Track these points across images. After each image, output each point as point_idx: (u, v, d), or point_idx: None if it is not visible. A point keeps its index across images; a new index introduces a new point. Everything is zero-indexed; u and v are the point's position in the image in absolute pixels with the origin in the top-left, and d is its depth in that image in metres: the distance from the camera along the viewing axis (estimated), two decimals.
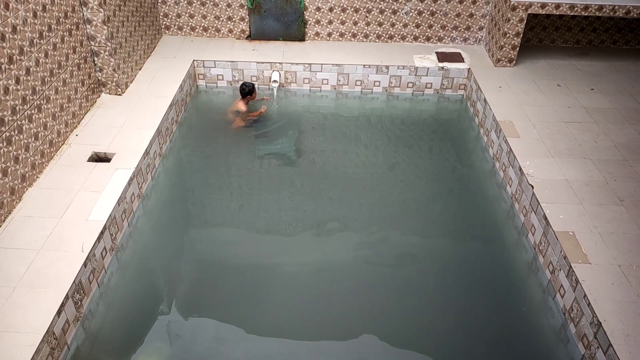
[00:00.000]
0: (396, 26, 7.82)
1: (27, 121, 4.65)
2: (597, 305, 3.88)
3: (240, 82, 6.84)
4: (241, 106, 6.56)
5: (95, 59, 5.95)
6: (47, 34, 4.94)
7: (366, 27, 7.84)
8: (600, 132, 5.89)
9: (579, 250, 4.34)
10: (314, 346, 4.16)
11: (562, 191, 4.98)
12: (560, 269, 4.38)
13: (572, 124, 6.04)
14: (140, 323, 4.25)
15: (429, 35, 7.89)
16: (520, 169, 5.29)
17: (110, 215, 4.50)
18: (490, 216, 5.52)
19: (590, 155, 5.49)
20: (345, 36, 7.93)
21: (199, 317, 4.35)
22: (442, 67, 7.30)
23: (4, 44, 4.29)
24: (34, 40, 4.73)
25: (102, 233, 4.35)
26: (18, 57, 4.49)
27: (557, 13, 6.87)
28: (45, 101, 4.95)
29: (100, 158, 5.23)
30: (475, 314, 4.42)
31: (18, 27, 4.48)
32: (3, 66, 4.28)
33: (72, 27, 5.44)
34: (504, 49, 7.16)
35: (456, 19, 7.73)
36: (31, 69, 4.69)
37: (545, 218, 4.67)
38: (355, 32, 7.89)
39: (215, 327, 4.26)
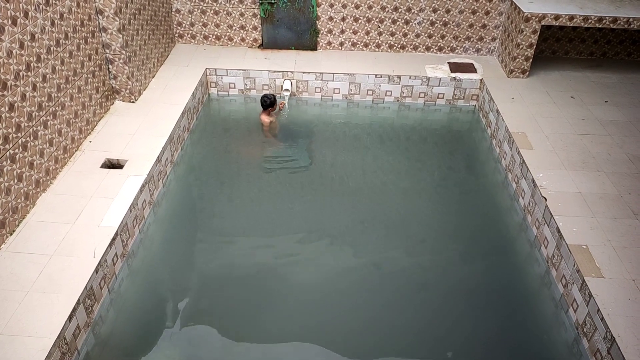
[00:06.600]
0: (408, 36, 7.84)
1: (42, 127, 4.71)
2: (610, 320, 3.83)
3: (262, 95, 6.65)
4: (265, 118, 6.62)
5: (110, 66, 6.02)
6: (63, 41, 5.01)
7: (378, 37, 7.87)
8: (614, 145, 5.84)
9: (593, 263, 4.29)
10: (322, 355, 4.14)
11: (576, 204, 4.93)
12: (573, 283, 4.33)
13: (585, 136, 6.00)
14: (150, 329, 4.26)
15: (442, 45, 7.89)
16: (533, 181, 5.25)
17: (122, 221, 4.53)
18: (502, 228, 5.47)
19: (604, 168, 5.44)
20: (357, 46, 7.96)
21: (208, 324, 4.35)
22: (455, 78, 7.29)
23: (22, 52, 4.36)
24: (51, 48, 4.80)
25: (113, 239, 4.38)
26: (35, 65, 4.56)
27: (571, 25, 6.84)
28: (60, 108, 5.01)
29: (113, 164, 5.28)
30: (487, 327, 4.38)
31: (36, 35, 4.55)
32: (21, 73, 4.34)
33: (88, 35, 5.51)
34: (517, 60, 7.14)
35: (469, 29, 7.73)
36: (47, 76, 4.76)
37: (559, 231, 4.62)
38: (367, 41, 7.91)
39: (223, 335, 4.26)
